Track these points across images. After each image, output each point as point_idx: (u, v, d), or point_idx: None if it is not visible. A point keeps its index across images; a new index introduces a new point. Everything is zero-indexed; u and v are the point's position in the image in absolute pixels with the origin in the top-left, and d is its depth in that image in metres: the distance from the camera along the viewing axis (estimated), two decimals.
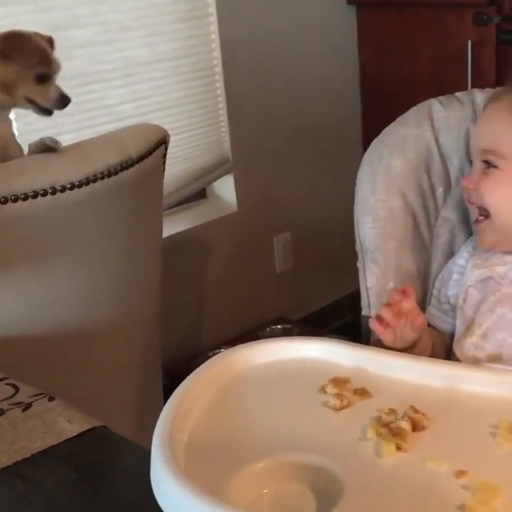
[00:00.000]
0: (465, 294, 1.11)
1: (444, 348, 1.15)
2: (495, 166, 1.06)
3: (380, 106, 2.60)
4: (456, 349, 1.08)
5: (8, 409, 1.01)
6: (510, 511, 0.74)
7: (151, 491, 0.77)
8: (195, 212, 2.42)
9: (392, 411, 0.88)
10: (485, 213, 1.08)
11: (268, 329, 2.54)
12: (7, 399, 1.03)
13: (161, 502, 0.75)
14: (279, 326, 2.56)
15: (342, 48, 2.62)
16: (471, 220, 1.17)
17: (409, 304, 1.01)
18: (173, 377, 2.21)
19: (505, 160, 1.05)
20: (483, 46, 2.32)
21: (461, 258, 1.16)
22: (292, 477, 0.80)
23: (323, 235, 2.67)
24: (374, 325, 1.03)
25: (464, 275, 1.13)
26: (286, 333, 2.55)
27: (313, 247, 2.68)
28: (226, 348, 2.23)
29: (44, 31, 1.91)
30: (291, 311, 2.66)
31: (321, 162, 2.64)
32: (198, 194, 2.44)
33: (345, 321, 2.83)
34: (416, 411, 0.87)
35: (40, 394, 1.04)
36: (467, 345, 1.06)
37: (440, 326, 1.17)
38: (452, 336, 1.14)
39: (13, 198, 1.23)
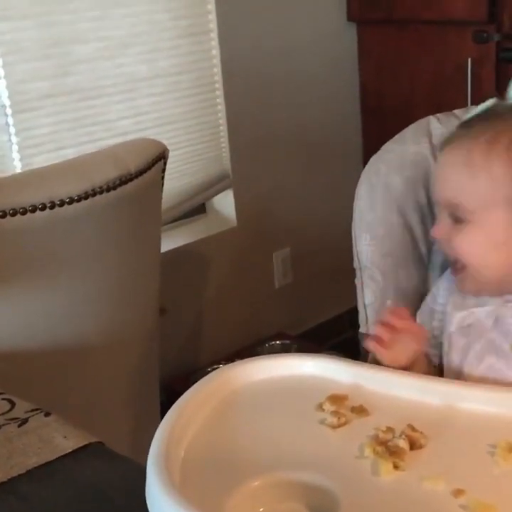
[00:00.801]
0: (449, 340, 1.06)
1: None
2: (465, 220, 0.99)
3: (380, 122, 2.61)
4: None
5: (3, 425, 1.01)
6: None
7: (147, 508, 0.77)
8: (195, 227, 2.43)
9: (389, 429, 0.88)
10: (462, 264, 1.02)
11: (267, 345, 2.53)
12: (3, 414, 1.03)
13: None
14: (278, 342, 2.56)
15: (342, 64, 2.63)
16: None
17: (403, 323, 0.99)
18: (170, 392, 2.20)
19: (474, 213, 0.98)
20: (483, 64, 2.33)
21: (441, 297, 1.11)
22: (289, 495, 0.79)
23: (323, 250, 2.67)
24: (371, 344, 1.00)
25: (445, 315, 1.08)
26: (285, 349, 2.54)
27: (313, 262, 2.68)
28: (224, 364, 2.22)
29: (45, 47, 1.92)
30: (290, 327, 2.65)
31: (320, 178, 2.65)
32: (197, 209, 2.44)
33: (344, 337, 2.82)
34: (414, 429, 0.87)
35: (36, 409, 1.04)
36: None
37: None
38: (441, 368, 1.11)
39: (11, 212, 1.23)
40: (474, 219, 0.98)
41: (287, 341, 2.56)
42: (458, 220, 0.99)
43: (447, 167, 1.03)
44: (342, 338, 2.81)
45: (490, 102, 1.05)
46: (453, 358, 1.05)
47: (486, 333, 1.02)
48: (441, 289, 1.11)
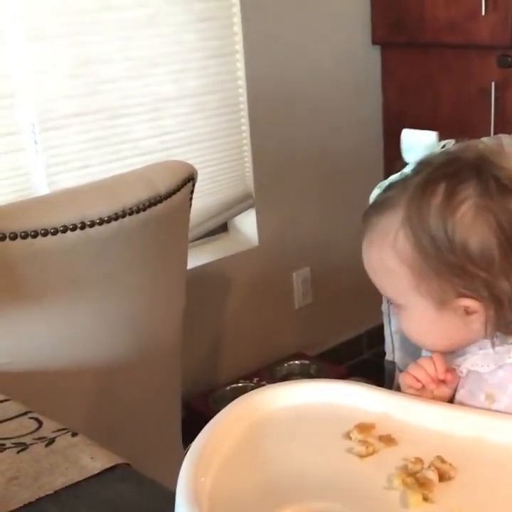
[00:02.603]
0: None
1: None
2: (398, 306, 0.99)
3: None
4: None
5: (31, 444, 1.01)
6: None
7: None
8: (217, 246, 2.43)
9: (418, 460, 0.87)
10: None
11: (286, 365, 2.53)
12: (31, 433, 1.03)
13: None
14: (296, 362, 2.55)
15: (366, 87, 2.64)
16: None
17: (439, 375, 0.98)
18: (190, 411, 2.21)
19: (401, 301, 0.98)
20: (507, 88, 2.33)
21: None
22: None
23: (343, 270, 2.66)
24: (411, 381, 0.99)
25: None
26: (303, 369, 2.54)
27: (332, 282, 2.68)
28: (244, 383, 2.22)
29: (73, 66, 1.95)
30: (309, 347, 2.65)
31: (342, 199, 2.65)
32: (219, 228, 2.45)
33: (363, 358, 2.81)
34: (443, 461, 0.86)
35: (64, 429, 1.04)
36: None
37: None
38: None
39: (42, 232, 1.24)
40: (404, 305, 0.98)
41: (306, 361, 2.56)
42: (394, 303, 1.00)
43: (366, 254, 1.03)
44: (360, 359, 2.80)
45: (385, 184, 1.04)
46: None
47: (486, 378, 0.99)
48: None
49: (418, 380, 0.98)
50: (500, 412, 0.99)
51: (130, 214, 1.30)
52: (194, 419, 0.91)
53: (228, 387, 2.26)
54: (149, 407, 1.55)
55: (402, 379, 1.00)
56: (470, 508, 0.80)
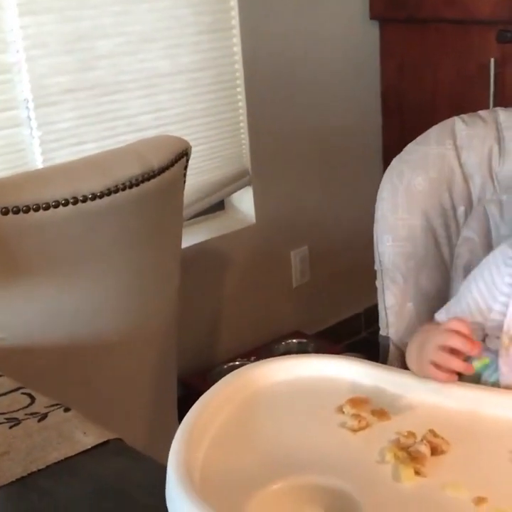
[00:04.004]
0: (511, 338, 0.99)
1: None
2: None
3: (401, 122, 2.60)
4: None
5: (23, 419, 1.01)
6: None
7: (166, 506, 0.77)
8: (214, 224, 2.42)
9: (411, 434, 0.87)
10: None
11: (283, 343, 2.53)
12: (23, 408, 1.03)
13: None
14: (294, 340, 2.55)
15: (364, 63, 2.61)
16: None
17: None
18: (187, 388, 2.21)
19: None
20: (506, 63, 2.31)
21: (508, 275, 1.02)
22: (309, 499, 0.79)
23: (341, 249, 2.66)
24: (437, 375, 0.95)
25: (507, 306, 1.01)
26: (301, 348, 2.54)
27: (331, 261, 2.67)
28: (241, 361, 2.23)
29: (68, 41, 1.93)
30: (307, 326, 2.64)
31: (340, 177, 2.64)
32: (216, 206, 2.43)
33: (361, 337, 2.81)
34: (435, 435, 0.86)
35: (56, 404, 1.04)
36: None
37: None
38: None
39: (34, 207, 1.23)
40: None
41: (304, 340, 2.56)
42: None
43: None
44: (358, 338, 2.80)
45: None
46: None
47: None
48: (507, 266, 1.03)
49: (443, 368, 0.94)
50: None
51: (123, 189, 1.29)
52: (191, 397, 0.91)
53: (225, 366, 2.26)
54: (144, 384, 1.55)
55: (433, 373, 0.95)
56: (462, 482, 0.80)
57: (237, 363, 2.29)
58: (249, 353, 2.39)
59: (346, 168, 2.64)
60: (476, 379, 1.02)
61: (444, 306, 1.10)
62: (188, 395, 2.10)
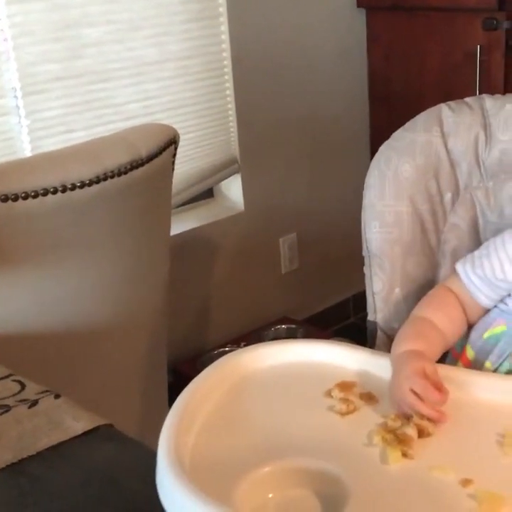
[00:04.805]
0: None
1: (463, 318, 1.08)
2: None
3: (388, 109, 2.60)
4: None
5: (14, 406, 1.01)
6: None
7: (157, 492, 0.78)
8: (202, 212, 2.43)
9: (398, 417, 0.88)
10: None
11: (272, 329, 2.54)
12: (13, 395, 1.03)
13: (166, 505, 0.75)
14: (283, 326, 2.57)
15: (351, 50, 2.62)
16: None
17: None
18: (177, 374, 2.22)
19: None
20: (492, 51, 2.32)
21: None
22: (298, 482, 0.80)
23: (329, 236, 2.67)
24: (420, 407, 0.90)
25: None
26: (290, 333, 2.55)
27: (319, 248, 2.68)
28: (231, 347, 2.24)
29: (55, 29, 1.92)
30: (296, 312, 2.66)
31: (328, 164, 2.65)
32: (205, 193, 2.44)
33: (349, 322, 2.83)
34: (422, 417, 0.88)
35: (47, 391, 1.04)
36: None
37: (476, 295, 1.07)
38: (482, 309, 1.07)
39: (23, 195, 1.23)
40: None
41: (293, 326, 2.57)
42: None
43: None
44: (347, 323, 2.82)
45: None
46: None
47: None
48: None
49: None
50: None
51: (111, 177, 1.29)
52: (181, 384, 0.91)
53: (215, 352, 2.27)
54: (135, 370, 1.56)
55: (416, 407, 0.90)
56: (449, 463, 0.81)
57: (226, 348, 2.30)
58: (238, 338, 2.41)
59: (334, 155, 2.65)
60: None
61: (467, 258, 1.09)
62: (178, 381, 2.12)
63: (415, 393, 0.89)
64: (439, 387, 0.91)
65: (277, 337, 2.51)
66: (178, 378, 2.18)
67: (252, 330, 2.49)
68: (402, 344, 1.00)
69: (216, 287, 2.44)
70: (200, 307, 2.43)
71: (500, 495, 0.76)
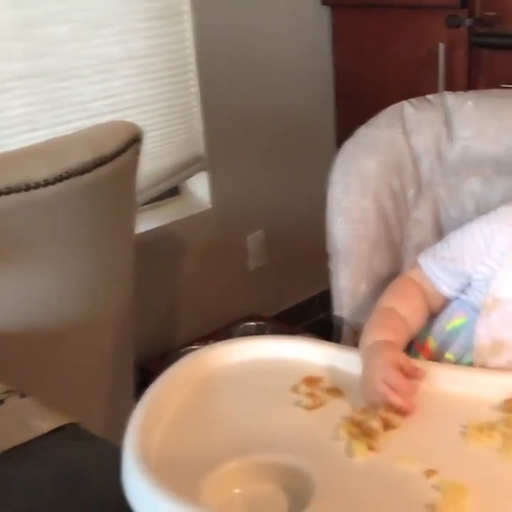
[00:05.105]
0: (495, 301, 1.02)
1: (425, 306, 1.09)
2: None
3: (354, 107, 2.61)
4: (477, 358, 1.01)
5: None
6: (479, 510, 0.75)
7: (123, 489, 0.78)
8: (169, 209, 2.42)
9: (364, 410, 0.89)
10: None
11: (241, 326, 2.54)
12: None
13: (132, 502, 0.76)
14: (252, 323, 2.57)
15: (316, 48, 2.62)
16: None
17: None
18: (146, 373, 2.21)
19: None
20: (455, 48, 2.34)
21: (502, 243, 1.04)
22: (264, 477, 0.80)
23: (297, 232, 2.68)
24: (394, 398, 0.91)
25: (501, 267, 1.03)
26: (259, 330, 2.55)
27: (287, 244, 2.69)
28: (199, 345, 2.23)
29: (17, 27, 1.90)
30: (265, 309, 2.66)
31: (295, 160, 2.65)
32: (171, 191, 2.43)
33: (318, 318, 2.84)
34: (388, 410, 0.89)
35: (12, 391, 1.04)
36: (491, 365, 1.00)
37: (438, 285, 1.09)
38: (444, 299, 1.09)
39: None
40: None
41: (261, 323, 2.57)
42: None
43: None
44: (316, 319, 2.83)
45: None
46: (494, 320, 1.01)
47: None
48: (503, 235, 1.04)
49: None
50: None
51: (75, 176, 1.28)
52: (150, 382, 0.92)
53: (183, 350, 2.27)
54: (100, 369, 1.55)
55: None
56: (413, 456, 0.83)
57: (194, 346, 2.29)
58: (207, 336, 2.41)
59: (301, 152, 2.66)
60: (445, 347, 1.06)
61: (429, 250, 1.12)
62: (146, 379, 2.09)
63: (387, 384, 0.90)
64: (413, 376, 0.93)
65: (246, 334, 2.51)
66: (147, 376, 2.15)
67: (220, 327, 2.49)
68: (371, 335, 1.01)
69: (184, 285, 2.44)
70: (168, 305, 2.43)
71: (464, 485, 0.77)
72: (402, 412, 0.89)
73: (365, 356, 0.97)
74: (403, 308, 1.06)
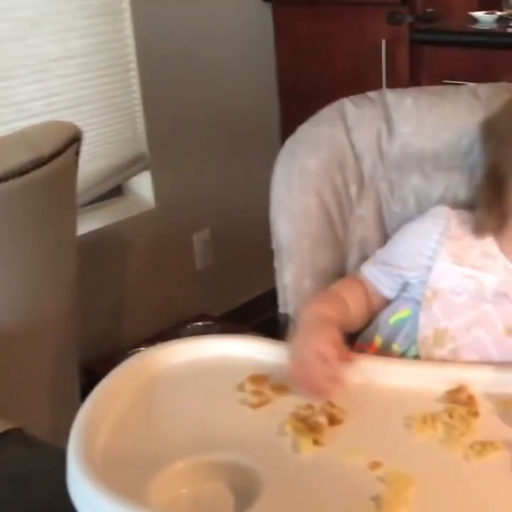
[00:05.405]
0: (434, 292, 1.06)
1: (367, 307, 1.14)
2: None
3: (298, 104, 2.62)
4: (422, 350, 1.04)
5: None
6: (423, 500, 0.77)
7: (68, 493, 0.76)
8: (112, 210, 2.39)
9: (309, 406, 0.90)
10: None
11: (189, 327, 2.53)
12: None
13: (77, 505, 0.75)
14: (200, 323, 2.56)
15: (258, 45, 2.63)
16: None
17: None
18: (93, 375, 2.18)
19: None
20: (397, 45, 2.37)
21: (431, 240, 1.09)
22: (211, 476, 0.80)
23: (243, 230, 2.68)
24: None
25: (434, 261, 1.07)
26: (207, 330, 2.54)
27: (234, 243, 2.69)
28: (146, 347, 2.21)
29: None
30: (213, 308, 2.66)
31: (239, 158, 2.65)
32: (114, 191, 2.41)
33: (267, 316, 2.84)
34: (333, 405, 0.89)
35: None
36: (435, 355, 1.02)
37: (379, 288, 1.14)
38: (386, 300, 1.14)
39: None
40: None
41: (210, 322, 2.56)
42: None
43: None
44: (264, 318, 2.83)
45: None
46: (436, 311, 1.04)
47: (483, 304, 1.03)
48: (432, 233, 1.09)
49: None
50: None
51: (12, 177, 1.26)
52: (97, 384, 0.91)
53: (130, 352, 2.24)
54: (44, 372, 1.53)
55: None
56: (358, 449, 0.83)
57: (142, 348, 2.28)
58: (154, 337, 2.38)
59: (245, 149, 2.65)
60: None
61: (371, 258, 1.18)
62: (93, 381, 2.07)
63: (320, 354, 0.93)
64: (345, 357, 0.95)
65: (194, 334, 2.47)
66: (93, 378, 2.13)
67: (168, 328, 2.47)
68: (310, 306, 1.07)
69: (130, 286, 2.42)
70: (115, 306, 2.41)
71: (408, 475, 0.78)
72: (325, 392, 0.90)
73: (301, 325, 1.01)
74: (346, 294, 1.12)
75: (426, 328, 1.04)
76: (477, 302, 1.03)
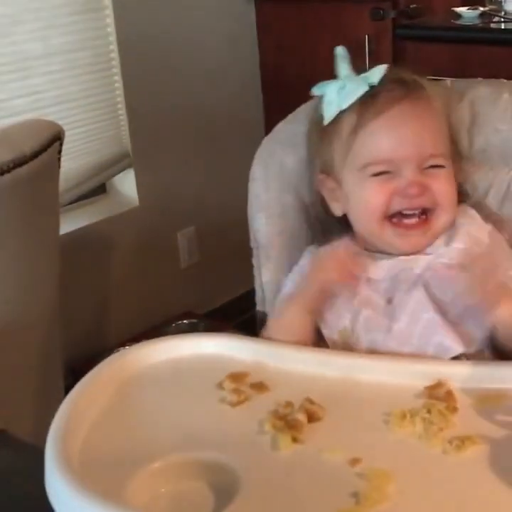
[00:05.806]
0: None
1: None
2: (441, 166, 1.06)
3: (282, 100, 2.61)
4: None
5: None
6: (403, 496, 0.77)
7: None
8: (96, 208, 2.38)
9: (288, 404, 0.89)
10: (426, 216, 1.06)
11: (174, 325, 2.53)
12: None
13: (55, 506, 0.74)
14: (185, 321, 2.55)
15: (241, 42, 2.62)
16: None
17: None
18: (78, 375, 2.17)
19: (446, 159, 1.07)
20: (380, 41, 2.37)
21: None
22: (190, 475, 0.80)
23: (228, 228, 2.67)
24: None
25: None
26: (192, 328, 2.54)
27: (219, 240, 2.68)
28: (130, 345, 2.21)
29: None
30: (198, 306, 2.65)
31: (223, 155, 2.65)
32: (97, 189, 2.40)
33: (252, 314, 2.84)
34: (312, 402, 0.89)
35: None
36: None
37: None
38: None
39: None
40: (446, 164, 1.06)
41: (195, 320, 2.56)
42: (433, 168, 1.06)
43: (410, 122, 1.07)
44: (249, 315, 2.83)
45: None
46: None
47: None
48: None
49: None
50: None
51: None
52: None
53: (115, 350, 2.24)
54: (27, 373, 1.53)
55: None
56: (338, 446, 0.83)
57: (126, 347, 2.27)
58: (139, 336, 2.38)
59: (229, 146, 2.65)
60: None
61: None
62: (77, 380, 2.08)
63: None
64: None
65: (179, 332, 2.48)
66: (78, 378, 2.14)
67: (153, 326, 2.47)
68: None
69: (114, 285, 2.41)
70: (99, 306, 2.40)
71: (388, 471, 0.78)
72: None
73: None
74: None
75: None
76: None
